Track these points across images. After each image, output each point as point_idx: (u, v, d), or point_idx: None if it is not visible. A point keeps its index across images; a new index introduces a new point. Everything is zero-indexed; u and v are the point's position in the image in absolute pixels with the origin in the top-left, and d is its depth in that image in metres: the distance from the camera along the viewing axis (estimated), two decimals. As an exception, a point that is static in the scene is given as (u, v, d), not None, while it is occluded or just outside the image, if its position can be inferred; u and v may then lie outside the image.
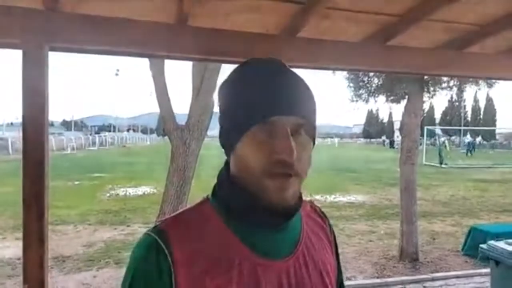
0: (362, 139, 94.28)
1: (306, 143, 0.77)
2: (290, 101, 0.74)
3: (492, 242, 4.04)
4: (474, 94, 73.84)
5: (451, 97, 67.55)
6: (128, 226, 8.43)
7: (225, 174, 0.82)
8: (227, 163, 0.83)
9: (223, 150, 0.83)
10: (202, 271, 0.72)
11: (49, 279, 1.43)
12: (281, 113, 0.73)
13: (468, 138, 48.64)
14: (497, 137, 67.90)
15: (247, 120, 0.74)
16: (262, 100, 0.73)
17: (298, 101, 0.75)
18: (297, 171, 0.74)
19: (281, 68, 0.80)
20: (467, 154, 36.52)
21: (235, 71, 0.83)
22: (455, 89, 7.49)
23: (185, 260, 0.72)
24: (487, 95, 72.28)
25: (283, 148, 0.71)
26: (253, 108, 0.74)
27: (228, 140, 0.79)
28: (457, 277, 5.47)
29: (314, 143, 0.81)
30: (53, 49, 1.51)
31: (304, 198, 0.87)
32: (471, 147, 40.28)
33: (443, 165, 24.65)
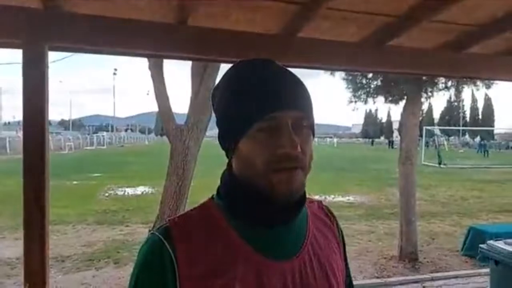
0: (361, 139, 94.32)
1: (308, 136, 0.78)
2: (290, 95, 0.75)
3: (491, 242, 4.03)
4: (471, 94, 74.16)
5: (450, 97, 67.72)
6: (127, 226, 8.41)
7: (227, 175, 0.81)
8: (229, 165, 0.82)
9: (224, 152, 0.82)
10: (206, 271, 0.72)
11: (50, 279, 1.43)
12: (282, 107, 0.73)
13: (467, 138, 48.40)
14: (495, 137, 67.94)
15: (249, 119, 0.73)
16: (263, 97, 0.74)
17: (297, 95, 0.76)
18: (302, 163, 0.74)
19: (275, 65, 0.81)
20: (484, 155, 36.21)
21: (228, 73, 0.83)
22: (453, 89, 7.49)
23: (188, 259, 0.72)
24: (486, 95, 72.57)
25: (286, 141, 0.72)
26: (255, 106, 0.74)
27: (229, 142, 0.78)
28: (457, 277, 5.47)
29: (313, 137, 0.82)
30: (53, 48, 1.52)
31: (311, 197, 0.87)
32: (485, 148, 39.85)
33: (441, 165, 24.69)
